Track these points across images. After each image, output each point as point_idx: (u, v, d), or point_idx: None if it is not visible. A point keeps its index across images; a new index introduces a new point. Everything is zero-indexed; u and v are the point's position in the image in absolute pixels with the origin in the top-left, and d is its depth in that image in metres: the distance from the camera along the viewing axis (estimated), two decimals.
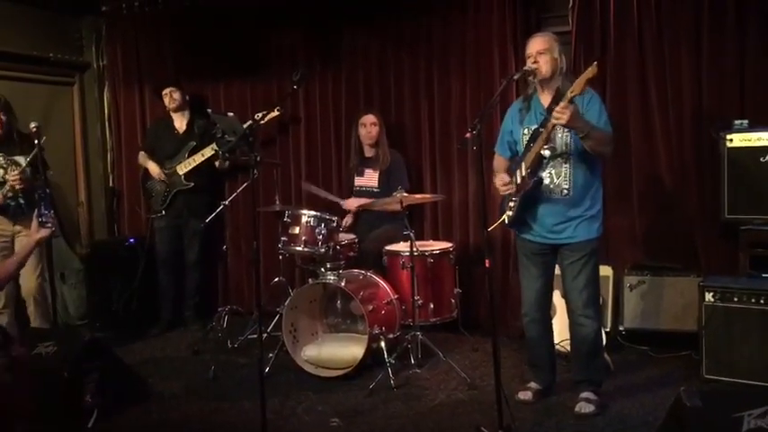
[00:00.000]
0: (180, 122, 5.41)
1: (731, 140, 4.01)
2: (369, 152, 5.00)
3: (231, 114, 4.85)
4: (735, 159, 3.99)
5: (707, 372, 3.74)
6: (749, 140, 3.97)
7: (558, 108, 3.12)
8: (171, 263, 5.33)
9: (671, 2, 4.35)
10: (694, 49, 4.31)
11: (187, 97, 5.41)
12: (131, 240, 5.57)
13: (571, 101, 3.12)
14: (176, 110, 5.37)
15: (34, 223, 3.34)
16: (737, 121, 4.05)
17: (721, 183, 4.04)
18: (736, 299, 3.67)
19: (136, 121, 5.99)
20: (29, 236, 3.47)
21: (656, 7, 4.38)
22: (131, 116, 6.00)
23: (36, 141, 4.02)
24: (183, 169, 5.22)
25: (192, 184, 5.21)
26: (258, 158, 3.30)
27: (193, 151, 5.21)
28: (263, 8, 5.46)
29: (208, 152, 5.13)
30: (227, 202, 4.86)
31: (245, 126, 4.49)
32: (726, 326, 3.68)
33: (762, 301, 3.60)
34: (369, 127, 4.94)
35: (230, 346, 4.72)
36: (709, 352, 3.73)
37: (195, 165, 5.19)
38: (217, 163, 5.20)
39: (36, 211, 3.38)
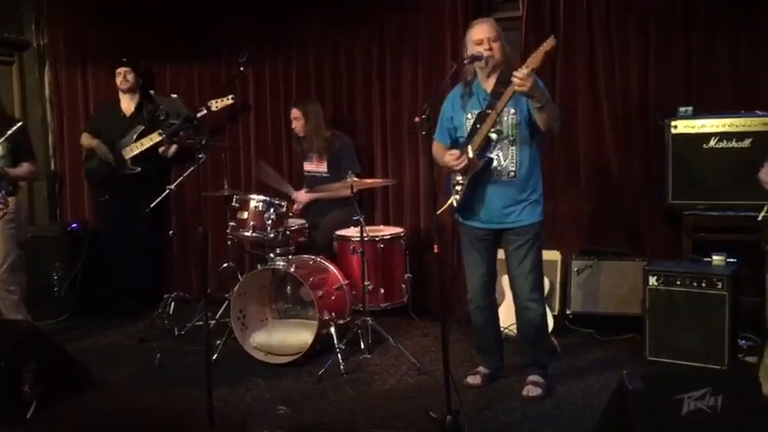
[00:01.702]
0: (127, 104, 5.25)
1: (676, 127, 4.08)
2: (305, 142, 4.95)
3: (174, 96, 4.73)
4: (679, 146, 4.07)
5: (650, 354, 3.82)
6: (693, 127, 4.05)
7: (519, 75, 3.10)
8: (115, 248, 5.19)
9: None
10: (642, 36, 4.38)
11: (140, 81, 5.26)
12: (74, 225, 5.41)
13: (530, 74, 3.12)
14: (126, 91, 5.21)
15: None
16: (682, 108, 4.12)
17: (666, 169, 4.11)
18: (678, 282, 3.75)
19: (78, 102, 5.79)
20: None
21: None
22: (73, 97, 5.81)
23: None
24: (129, 153, 5.07)
25: (139, 168, 5.08)
26: (204, 142, 3.21)
27: (141, 135, 5.07)
28: None
29: (156, 137, 4.99)
30: (173, 187, 4.75)
31: (198, 115, 4.40)
32: (669, 309, 3.76)
33: (703, 285, 3.69)
34: (293, 122, 4.93)
35: (177, 333, 4.64)
36: (653, 334, 3.81)
37: (143, 149, 5.05)
38: (161, 148, 5.07)
39: None
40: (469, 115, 3.47)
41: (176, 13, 5.43)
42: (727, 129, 3.95)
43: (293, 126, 4.96)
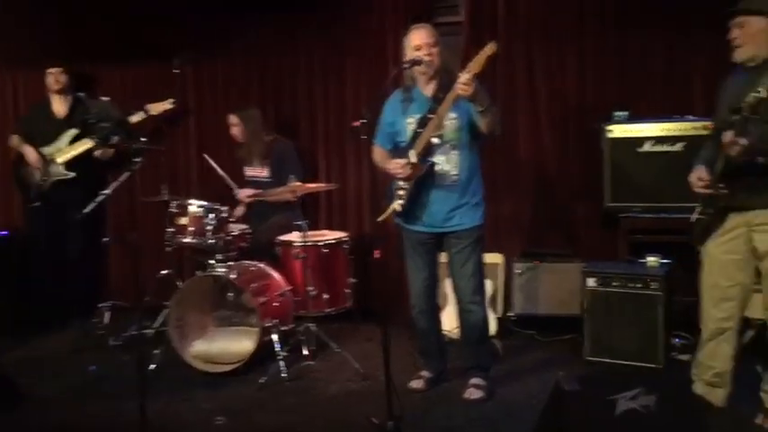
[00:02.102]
0: (60, 106, 5.08)
1: (612, 131, 4.17)
2: (245, 147, 4.89)
3: (106, 99, 4.59)
4: (615, 150, 4.16)
5: (589, 354, 3.89)
6: (629, 132, 4.15)
7: (462, 80, 3.12)
8: (49, 256, 5.01)
9: None
10: (579, 42, 4.47)
11: (73, 82, 5.10)
12: (4, 233, 5.20)
13: (472, 78, 3.14)
14: (58, 92, 5.04)
15: None
16: (618, 113, 4.21)
17: (603, 172, 4.20)
18: (615, 283, 3.83)
19: (6, 103, 5.58)
20: None
21: (543, 2, 4.49)
22: (2, 99, 5.59)
23: None
24: (62, 157, 4.91)
25: (73, 174, 4.92)
26: (137, 146, 3.12)
27: (75, 139, 4.92)
28: None
29: (90, 142, 4.84)
30: (108, 192, 4.62)
31: (135, 119, 4.28)
32: (606, 309, 3.84)
33: (639, 285, 3.78)
34: (231, 128, 4.88)
35: (112, 343, 4.50)
36: (591, 335, 3.88)
37: (76, 154, 4.90)
38: (97, 152, 4.92)
39: None
40: (410, 120, 3.47)
41: (112, 14, 5.29)
42: (660, 133, 4.06)
43: (232, 132, 4.89)
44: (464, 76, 3.12)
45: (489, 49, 3.12)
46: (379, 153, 3.63)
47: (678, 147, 4.01)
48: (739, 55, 2.94)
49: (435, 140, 3.38)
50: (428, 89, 3.44)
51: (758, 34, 2.87)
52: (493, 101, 3.46)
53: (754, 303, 3.17)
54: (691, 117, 4.06)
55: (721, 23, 2.99)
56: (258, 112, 4.89)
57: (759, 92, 2.62)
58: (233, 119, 4.87)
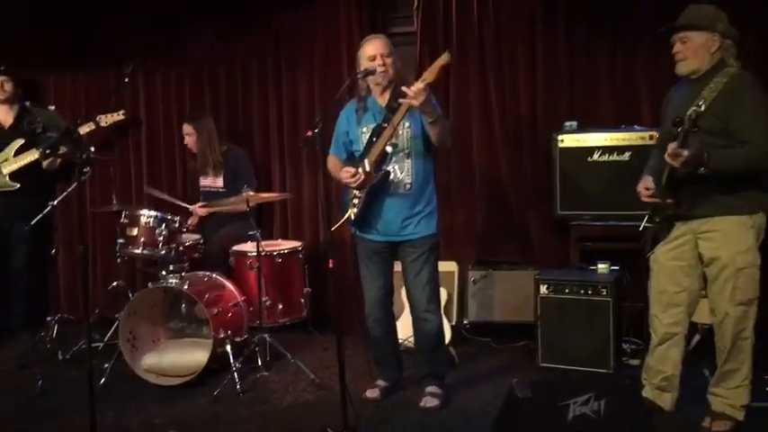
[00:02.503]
0: (5, 116, 4.93)
1: (562, 141, 4.24)
2: (199, 157, 4.83)
3: (52, 108, 4.50)
4: (566, 159, 4.23)
5: (542, 360, 3.94)
6: (578, 141, 4.22)
7: (414, 89, 3.14)
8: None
9: (508, 9, 4.55)
10: (529, 54, 4.54)
11: (20, 91, 4.97)
12: None
13: (425, 88, 3.16)
14: (4, 101, 4.90)
15: None
16: (568, 123, 4.29)
17: (554, 181, 4.27)
18: (567, 290, 3.89)
19: None
20: None
21: (495, 14, 4.57)
22: None
23: None
24: (7, 168, 4.77)
25: (18, 185, 4.78)
26: (85, 156, 3.05)
27: (21, 149, 4.78)
28: None
29: (36, 152, 4.72)
30: (55, 203, 4.51)
31: (79, 127, 4.19)
32: (558, 316, 3.89)
33: (590, 292, 3.84)
34: (185, 138, 4.85)
35: (61, 357, 4.38)
36: (544, 341, 3.93)
37: (22, 164, 4.76)
38: (44, 162, 4.80)
39: None
40: (365, 129, 3.48)
41: (62, 22, 5.18)
42: (608, 143, 4.14)
43: (185, 142, 4.85)
44: (416, 86, 3.15)
45: (443, 59, 3.16)
46: (333, 162, 3.63)
47: (626, 156, 4.10)
48: (682, 68, 3.04)
49: (389, 149, 3.40)
50: (382, 99, 3.46)
51: (700, 48, 2.98)
52: (445, 113, 3.50)
53: (701, 309, 3.27)
54: (638, 127, 4.16)
55: (664, 38, 3.09)
56: (211, 121, 4.84)
57: (699, 106, 2.73)
58: (187, 128, 4.83)
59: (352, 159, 3.52)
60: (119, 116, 4.94)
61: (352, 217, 3.51)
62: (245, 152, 4.90)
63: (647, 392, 3.22)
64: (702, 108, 2.71)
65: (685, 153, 2.76)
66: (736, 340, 3.01)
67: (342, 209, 3.57)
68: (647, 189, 3.10)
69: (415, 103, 3.17)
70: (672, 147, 2.80)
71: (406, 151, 3.43)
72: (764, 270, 3.06)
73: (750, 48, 3.75)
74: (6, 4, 5.10)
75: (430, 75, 3.16)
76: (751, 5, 3.98)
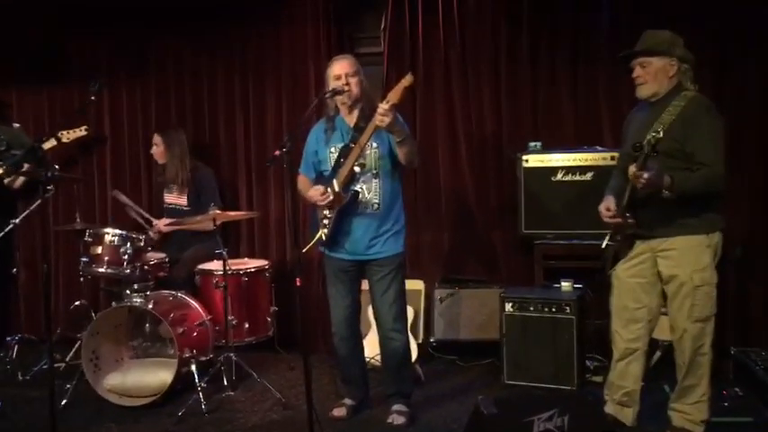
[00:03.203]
0: None
1: (527, 161, 4.32)
2: (166, 170, 4.81)
3: (17, 126, 4.44)
4: (530, 178, 4.31)
5: (507, 378, 3.98)
6: (542, 161, 4.31)
7: (380, 111, 3.17)
8: None
9: (473, 31, 4.65)
10: (494, 74, 4.63)
11: None
12: None
13: (391, 109, 3.20)
14: None
15: None
16: (532, 144, 4.38)
17: (519, 200, 4.34)
18: (531, 308, 3.95)
19: None
20: None
21: (461, 35, 4.66)
22: None
23: None
24: None
25: None
26: (50, 174, 3.02)
27: None
28: (63, 8, 5.08)
29: None
30: (17, 221, 4.43)
31: (44, 144, 4.14)
32: (523, 333, 3.94)
33: (553, 310, 3.90)
34: (153, 148, 4.82)
35: (21, 378, 4.29)
36: (509, 359, 3.98)
37: None
38: (6, 180, 4.72)
39: None
40: (333, 149, 3.51)
41: (25, 37, 5.13)
42: (571, 163, 4.24)
43: (152, 152, 4.81)
44: (382, 107, 3.19)
45: (406, 80, 3.21)
46: (302, 182, 3.64)
47: (588, 176, 4.19)
48: (642, 92, 3.14)
49: (357, 169, 3.42)
50: (350, 118, 3.49)
51: (658, 72, 3.08)
52: (412, 133, 3.54)
53: (662, 325, 3.34)
54: (599, 148, 4.26)
55: (624, 62, 3.19)
56: (183, 136, 4.80)
57: (658, 132, 2.82)
58: (156, 138, 4.79)
59: (322, 179, 3.54)
60: (81, 132, 4.89)
61: (323, 237, 3.52)
62: (212, 172, 4.87)
63: (609, 408, 3.28)
64: (661, 134, 2.81)
65: (646, 176, 2.84)
66: (694, 356, 3.08)
67: (311, 228, 3.58)
68: (608, 210, 3.17)
69: (382, 124, 3.21)
70: (632, 169, 2.89)
71: (374, 171, 3.46)
72: (721, 288, 3.15)
73: (705, 71, 3.88)
74: None
75: (394, 95, 3.20)
76: (706, 31, 4.13)
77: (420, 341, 4.49)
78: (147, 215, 4.80)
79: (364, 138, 3.34)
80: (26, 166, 3.98)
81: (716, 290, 3.08)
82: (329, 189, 3.43)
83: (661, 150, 2.84)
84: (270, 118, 5.03)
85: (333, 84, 3.44)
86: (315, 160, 3.61)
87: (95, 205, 5.25)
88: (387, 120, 3.18)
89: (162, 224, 4.74)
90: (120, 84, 5.20)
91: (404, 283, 3.60)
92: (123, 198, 4.82)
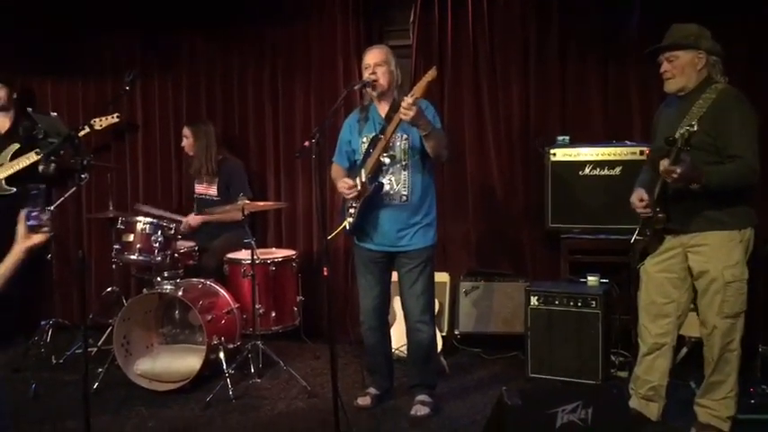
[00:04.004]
0: (2, 121, 4.99)
1: (554, 155, 4.31)
2: (194, 162, 4.88)
3: (54, 114, 4.54)
4: (557, 172, 4.29)
5: (531, 371, 3.98)
6: (570, 155, 4.29)
7: (404, 104, 3.20)
8: None
9: (502, 25, 4.63)
10: (522, 68, 4.61)
11: (15, 96, 5.02)
12: None
13: (414, 103, 3.22)
14: (0, 109, 4.95)
15: (21, 227, 2.56)
16: (560, 137, 4.36)
17: (545, 194, 4.32)
18: (557, 302, 3.94)
19: None
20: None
21: (490, 28, 4.64)
22: None
23: None
24: (3, 173, 4.81)
25: (15, 189, 4.81)
26: (85, 162, 3.09)
27: (17, 154, 4.82)
28: (98, 3, 5.17)
29: (33, 156, 4.76)
30: (52, 208, 4.52)
31: (79, 133, 4.22)
32: (548, 327, 3.94)
33: (579, 304, 3.89)
34: (183, 140, 4.90)
35: (54, 362, 4.40)
36: (534, 352, 3.98)
37: (18, 169, 4.80)
38: (40, 167, 4.83)
39: (24, 212, 2.58)
40: (365, 139, 3.53)
41: (59, 28, 5.23)
42: (600, 157, 4.21)
43: (183, 144, 4.89)
44: (406, 101, 3.20)
45: (430, 74, 3.22)
46: (335, 171, 3.69)
47: (617, 171, 4.16)
48: (670, 86, 3.12)
49: (386, 160, 3.44)
50: (382, 108, 3.50)
51: (686, 66, 3.05)
52: (441, 123, 3.55)
53: (689, 322, 3.32)
54: (629, 142, 4.23)
55: (652, 56, 3.17)
56: (212, 128, 4.87)
57: (692, 126, 2.79)
58: (185, 131, 4.88)
59: (353, 168, 3.57)
60: (113, 119, 4.98)
61: (347, 227, 3.56)
62: (242, 163, 4.94)
63: (634, 402, 3.28)
64: (695, 128, 2.79)
65: (678, 170, 2.82)
66: (723, 352, 3.06)
67: (342, 217, 3.62)
68: (641, 200, 3.16)
69: (406, 118, 3.23)
70: (665, 163, 2.87)
71: (403, 163, 3.47)
72: (750, 285, 3.12)
73: (736, 63, 3.83)
74: (4, 15, 5.14)
75: (418, 90, 3.22)
76: (735, 22, 4.07)
77: (444, 333, 4.51)
78: (174, 216, 4.86)
79: (390, 129, 3.36)
80: (61, 153, 4.08)
81: (746, 286, 3.05)
82: (357, 180, 3.46)
83: (692, 144, 2.82)
84: (299, 111, 5.07)
85: (364, 74, 3.47)
86: (348, 149, 3.64)
87: (127, 193, 5.34)
88: (410, 114, 3.20)
89: (191, 219, 4.81)
90: (153, 77, 5.28)
91: (433, 276, 3.61)
92: (146, 209, 4.89)
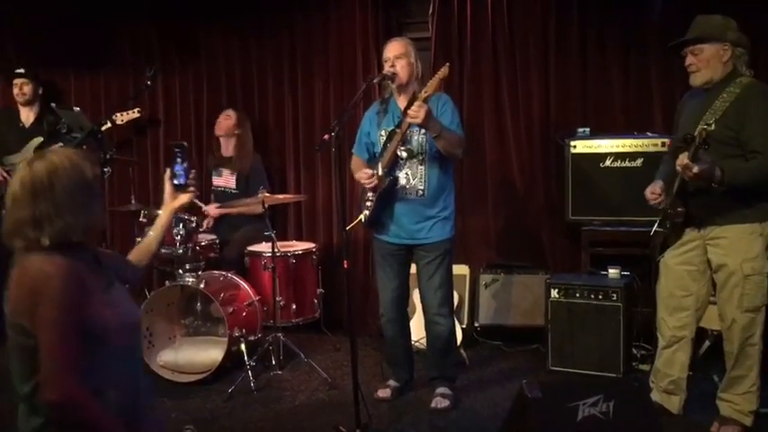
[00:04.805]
0: (27, 116, 5.07)
1: (575, 147, 4.28)
2: (226, 151, 4.91)
3: (77, 109, 4.59)
4: (578, 164, 4.27)
5: (552, 364, 3.97)
6: (590, 147, 4.26)
7: (412, 107, 3.21)
8: (4, 268, 4.93)
9: (521, 16, 4.59)
10: (542, 60, 4.58)
11: (40, 91, 5.09)
12: None
13: (425, 101, 3.22)
14: (24, 104, 5.04)
15: (167, 186, 2.40)
16: (580, 129, 4.33)
17: (566, 186, 4.31)
18: (577, 295, 3.93)
19: None
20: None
21: (509, 20, 4.60)
22: None
23: None
24: None
25: None
26: (108, 156, 3.14)
27: (40, 148, 4.88)
28: None
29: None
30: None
31: (102, 127, 4.28)
32: (568, 320, 3.93)
33: (600, 297, 3.88)
34: (223, 120, 4.90)
35: None
36: (554, 345, 3.97)
37: None
38: None
39: (168, 170, 2.41)
40: (383, 132, 3.54)
41: (80, 24, 5.29)
42: (621, 149, 4.18)
43: (218, 123, 4.91)
44: (414, 104, 3.21)
45: (442, 72, 3.22)
46: (355, 162, 3.70)
47: (638, 162, 4.13)
48: (696, 80, 3.08)
49: (403, 154, 3.45)
50: (402, 101, 3.50)
51: (711, 59, 3.01)
52: (460, 116, 3.54)
53: (711, 315, 3.30)
54: (650, 134, 4.18)
55: (675, 48, 3.13)
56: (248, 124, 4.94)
57: (710, 124, 2.77)
58: (228, 111, 4.91)
59: (374, 160, 3.58)
60: (135, 114, 5.03)
61: (363, 220, 3.56)
62: (260, 157, 4.96)
63: (656, 396, 3.26)
64: (713, 126, 2.76)
65: (696, 169, 2.80)
66: (743, 347, 3.04)
67: (360, 209, 3.63)
68: (653, 194, 3.14)
69: (414, 121, 3.23)
70: (683, 158, 2.84)
71: (420, 157, 3.47)
72: None
73: (762, 55, 3.78)
74: (25, 10, 5.21)
75: (431, 87, 3.23)
76: (761, 12, 4.01)
77: (464, 326, 4.51)
78: (198, 202, 4.91)
79: (405, 123, 3.35)
80: (84, 148, 4.13)
81: (767, 279, 3.02)
82: (375, 172, 3.47)
83: (714, 138, 2.79)
84: (318, 104, 5.08)
85: (384, 66, 3.47)
86: (368, 141, 3.65)
87: (149, 188, 5.39)
88: (418, 118, 3.21)
89: (212, 210, 4.85)
90: (173, 70, 5.31)
91: (451, 269, 3.62)
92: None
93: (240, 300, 4.19)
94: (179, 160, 2.37)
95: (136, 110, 5.04)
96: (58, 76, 5.44)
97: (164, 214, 2.41)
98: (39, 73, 5.15)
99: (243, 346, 3.99)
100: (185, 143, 2.48)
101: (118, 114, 4.98)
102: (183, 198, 2.38)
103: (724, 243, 3.02)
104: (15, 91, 5.00)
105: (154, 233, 2.43)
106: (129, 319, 2.02)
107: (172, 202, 2.39)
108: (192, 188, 2.38)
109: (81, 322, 1.82)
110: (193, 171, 2.38)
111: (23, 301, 1.82)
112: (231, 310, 4.03)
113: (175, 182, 2.35)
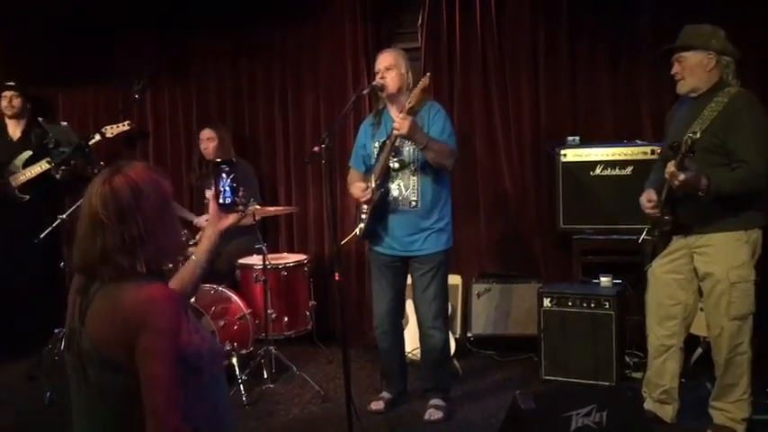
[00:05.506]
0: (14, 129, 5.04)
1: (565, 155, 4.29)
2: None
3: (65, 124, 4.57)
4: (568, 173, 4.27)
5: (545, 373, 3.96)
6: (580, 156, 4.27)
7: (397, 120, 3.21)
8: (1, 282, 4.91)
9: (511, 26, 4.61)
10: (532, 69, 4.59)
11: (29, 105, 5.06)
12: None
13: (410, 112, 3.22)
14: (12, 116, 5.01)
15: (212, 207, 2.26)
16: (570, 138, 4.34)
17: (557, 195, 4.31)
18: (570, 303, 3.92)
19: None
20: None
21: (498, 30, 4.62)
22: None
23: None
24: (16, 181, 4.84)
25: (27, 197, 4.85)
26: (96, 170, 3.11)
27: (29, 162, 4.86)
28: (107, 10, 5.20)
29: (45, 165, 4.79)
30: (65, 216, 4.56)
31: (90, 141, 4.26)
32: (561, 329, 3.92)
33: (592, 305, 3.87)
34: (205, 143, 4.86)
35: None
36: (547, 354, 3.96)
37: (31, 177, 4.84)
38: (58, 175, 4.87)
39: (213, 189, 2.30)
40: (377, 144, 3.54)
41: (69, 37, 5.27)
42: (610, 157, 4.19)
43: (204, 148, 4.85)
44: (399, 116, 3.21)
45: (422, 83, 3.23)
46: (352, 175, 3.70)
47: (628, 170, 4.14)
48: (681, 88, 3.10)
49: (395, 165, 3.44)
50: (394, 112, 3.48)
51: (696, 68, 3.03)
52: (452, 130, 3.54)
53: (700, 322, 3.30)
54: (639, 142, 4.20)
55: (664, 57, 3.15)
56: (228, 132, 4.90)
57: (695, 133, 2.78)
58: (209, 133, 4.83)
59: (369, 172, 3.58)
60: (124, 126, 4.99)
61: (359, 233, 3.56)
62: (252, 168, 4.94)
63: (649, 404, 3.26)
64: (698, 135, 2.77)
65: (682, 177, 2.80)
66: (732, 355, 3.03)
67: (355, 223, 3.62)
68: (650, 201, 3.15)
69: (399, 133, 3.23)
70: (670, 167, 2.85)
71: (412, 168, 3.46)
72: (764, 286, 3.09)
73: (751, 65, 3.79)
74: (15, 23, 5.19)
75: (413, 98, 3.23)
76: (750, 23, 4.03)
77: (457, 336, 4.50)
78: (187, 213, 4.88)
79: (393, 136, 3.35)
80: (72, 163, 4.11)
81: (754, 287, 3.02)
82: (369, 185, 3.46)
83: (701, 146, 2.80)
84: (308, 115, 5.08)
85: (376, 78, 3.48)
86: (364, 154, 3.64)
87: None
88: (402, 130, 3.20)
89: (203, 221, 4.82)
90: (162, 82, 5.31)
91: (446, 281, 3.61)
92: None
93: (231, 313, 4.17)
94: (224, 177, 2.25)
95: (126, 123, 5.01)
96: (47, 92, 5.41)
97: (209, 236, 2.22)
98: (28, 86, 5.13)
99: (234, 360, 3.96)
100: (234, 159, 2.38)
101: (108, 127, 4.94)
102: (231, 219, 2.23)
103: (710, 251, 3.02)
104: (4, 103, 4.98)
105: (197, 257, 2.22)
106: (216, 347, 1.88)
107: (218, 222, 2.22)
108: (240, 207, 2.24)
109: (179, 351, 1.67)
110: (242, 189, 2.24)
111: (119, 333, 1.65)
112: (222, 323, 4.02)
113: (221, 201, 2.23)
